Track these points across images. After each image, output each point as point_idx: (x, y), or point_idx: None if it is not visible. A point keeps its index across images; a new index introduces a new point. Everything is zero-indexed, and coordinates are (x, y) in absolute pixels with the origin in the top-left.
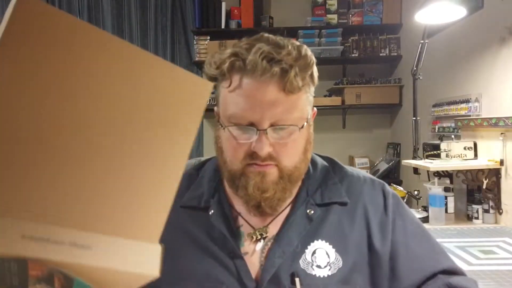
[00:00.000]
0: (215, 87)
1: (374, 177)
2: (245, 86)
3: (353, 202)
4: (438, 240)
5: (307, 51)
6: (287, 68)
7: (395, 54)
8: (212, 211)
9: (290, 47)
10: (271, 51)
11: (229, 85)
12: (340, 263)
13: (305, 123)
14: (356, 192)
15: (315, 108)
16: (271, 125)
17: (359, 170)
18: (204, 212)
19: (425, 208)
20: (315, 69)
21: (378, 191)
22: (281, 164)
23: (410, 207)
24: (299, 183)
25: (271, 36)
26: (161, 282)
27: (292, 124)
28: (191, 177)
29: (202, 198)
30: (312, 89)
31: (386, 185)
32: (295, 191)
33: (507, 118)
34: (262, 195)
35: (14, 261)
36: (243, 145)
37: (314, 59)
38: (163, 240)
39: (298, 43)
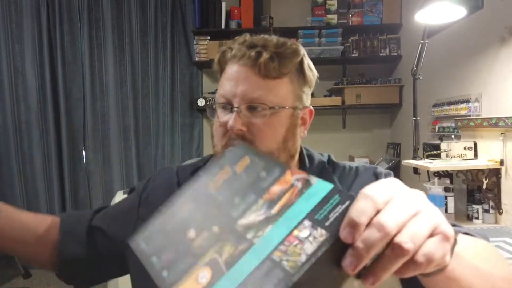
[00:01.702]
0: None
1: (366, 164)
2: (229, 71)
3: (344, 188)
4: None
5: (296, 45)
6: (261, 51)
7: (395, 54)
8: None
9: (274, 37)
10: (253, 40)
11: (221, 73)
12: None
13: (279, 108)
14: (348, 182)
15: (311, 107)
16: (247, 105)
17: (353, 162)
18: None
19: None
20: (307, 65)
21: (369, 175)
22: (255, 146)
23: None
24: None
25: (267, 35)
26: None
27: (266, 104)
28: (197, 169)
29: None
30: (305, 87)
31: (379, 168)
32: None
33: (507, 118)
34: None
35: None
36: (223, 125)
37: (302, 53)
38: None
39: (292, 41)
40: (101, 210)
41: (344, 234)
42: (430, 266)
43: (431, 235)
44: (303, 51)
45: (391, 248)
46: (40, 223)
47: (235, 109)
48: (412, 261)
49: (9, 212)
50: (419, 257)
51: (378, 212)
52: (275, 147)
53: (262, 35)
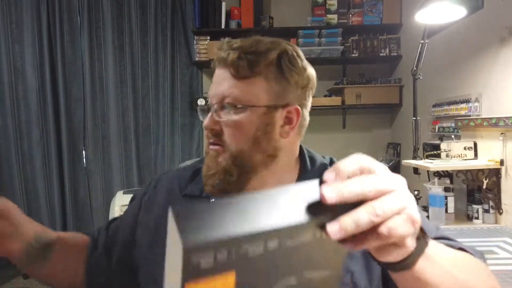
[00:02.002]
0: None
1: None
2: (214, 76)
3: None
4: None
5: (273, 43)
6: (229, 52)
7: (395, 54)
8: (213, 199)
9: (254, 37)
10: (230, 42)
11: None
12: None
13: (244, 106)
14: None
15: (297, 106)
16: (219, 105)
17: None
18: (206, 200)
19: (425, 208)
20: (286, 62)
21: None
22: (226, 145)
23: None
24: (257, 173)
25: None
26: (158, 269)
27: (235, 104)
28: (197, 171)
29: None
30: (289, 85)
31: None
32: (252, 179)
33: (507, 118)
34: (206, 173)
35: None
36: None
37: (278, 50)
38: (164, 229)
39: (269, 38)
40: (113, 222)
41: (326, 175)
42: (389, 240)
43: (399, 214)
44: (282, 48)
45: (364, 205)
46: (76, 242)
47: (211, 109)
48: (374, 231)
49: (61, 245)
50: (383, 229)
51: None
52: (245, 147)
53: (250, 37)
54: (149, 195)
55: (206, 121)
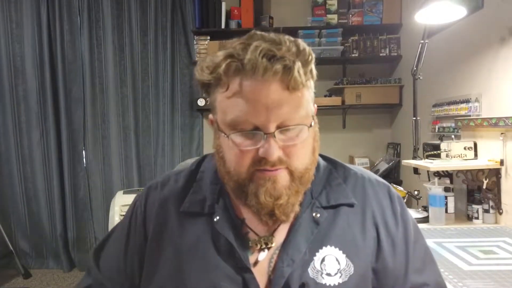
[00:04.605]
0: (208, 93)
1: (378, 177)
2: (246, 89)
3: (360, 203)
4: (438, 240)
5: (305, 45)
6: (290, 65)
7: (395, 54)
8: (218, 217)
9: (288, 42)
10: (271, 48)
11: (227, 89)
12: (352, 270)
13: (314, 123)
14: (361, 193)
15: (315, 105)
16: (278, 127)
17: (362, 168)
18: (208, 218)
19: (425, 208)
20: (315, 66)
21: (384, 193)
22: (292, 167)
23: (410, 207)
24: (309, 185)
25: (264, 33)
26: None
27: (300, 123)
28: (191, 176)
29: (205, 203)
30: (313, 84)
31: (391, 186)
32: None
33: (507, 118)
34: (275, 202)
35: None
36: (249, 152)
37: (312, 53)
38: (165, 252)
39: (292, 38)
40: (98, 256)
41: None
42: None
43: None
44: (310, 48)
45: None
46: None
47: (266, 135)
48: None
49: None
50: None
51: None
52: (308, 162)
53: (269, 36)
54: (141, 218)
55: (271, 150)
